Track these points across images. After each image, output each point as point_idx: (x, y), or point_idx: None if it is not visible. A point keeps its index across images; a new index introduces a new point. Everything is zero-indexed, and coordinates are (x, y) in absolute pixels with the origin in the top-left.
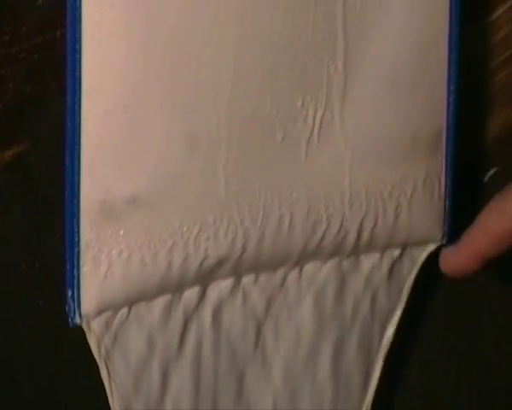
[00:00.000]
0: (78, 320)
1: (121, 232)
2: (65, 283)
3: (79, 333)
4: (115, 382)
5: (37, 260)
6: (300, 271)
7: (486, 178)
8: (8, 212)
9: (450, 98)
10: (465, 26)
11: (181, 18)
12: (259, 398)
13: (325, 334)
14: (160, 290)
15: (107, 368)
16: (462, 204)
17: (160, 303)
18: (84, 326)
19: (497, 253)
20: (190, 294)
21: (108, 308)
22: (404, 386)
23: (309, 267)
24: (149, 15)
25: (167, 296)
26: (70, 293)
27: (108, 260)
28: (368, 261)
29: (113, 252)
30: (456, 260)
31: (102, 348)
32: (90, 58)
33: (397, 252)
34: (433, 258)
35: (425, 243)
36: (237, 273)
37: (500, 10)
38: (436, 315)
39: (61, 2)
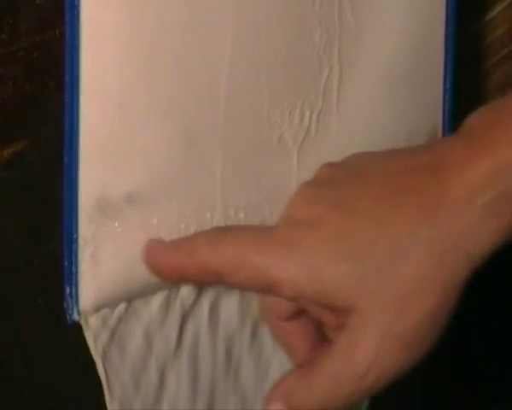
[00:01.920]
0: (76, 317)
1: (119, 229)
2: (63, 280)
3: (79, 331)
4: (112, 378)
5: (37, 258)
6: None
7: None
8: (8, 210)
9: (446, 96)
10: (462, 25)
11: (178, 17)
12: (256, 394)
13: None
14: (158, 287)
15: (104, 365)
16: None
17: (157, 300)
18: (82, 323)
19: (198, 279)
20: (187, 290)
21: (106, 305)
22: (402, 386)
23: None
24: (147, 14)
25: (164, 293)
26: (68, 290)
27: (106, 257)
28: None
29: (111, 249)
30: (157, 257)
31: (99, 345)
32: (88, 56)
33: None
34: None
35: None
36: None
37: (497, 9)
38: None
39: (59, 1)
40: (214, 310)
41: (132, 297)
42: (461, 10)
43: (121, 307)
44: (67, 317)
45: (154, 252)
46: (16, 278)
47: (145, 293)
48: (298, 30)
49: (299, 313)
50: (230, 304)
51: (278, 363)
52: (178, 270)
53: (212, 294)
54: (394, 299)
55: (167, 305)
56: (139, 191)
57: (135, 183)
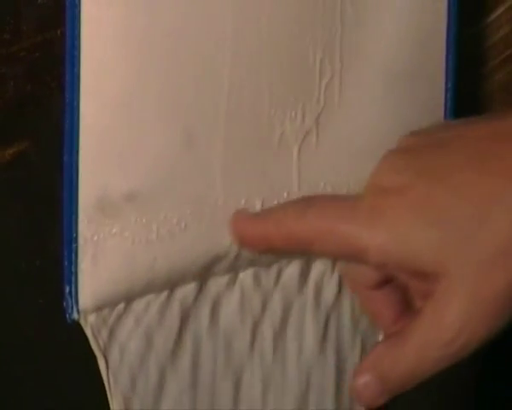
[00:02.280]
0: (75, 316)
1: (119, 228)
2: (63, 279)
3: (80, 331)
4: (113, 377)
5: (38, 259)
6: (296, 265)
7: None
8: (9, 210)
9: (448, 95)
10: (465, 26)
11: (178, 16)
12: (257, 395)
13: (324, 332)
14: (158, 286)
15: (106, 362)
16: None
17: (158, 299)
18: (82, 322)
19: (285, 250)
20: (188, 290)
21: (106, 304)
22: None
23: (304, 261)
24: (147, 13)
25: (165, 292)
26: (68, 289)
27: (106, 257)
28: None
29: (111, 248)
30: (245, 229)
31: (100, 343)
32: (88, 55)
33: None
34: None
35: None
36: (234, 269)
37: (500, 10)
38: None
39: (60, 1)
40: (214, 309)
41: (132, 297)
42: (464, 10)
43: (121, 306)
44: (67, 316)
45: (242, 224)
46: (17, 278)
47: (145, 293)
48: (299, 29)
49: (386, 282)
50: (231, 303)
51: (281, 362)
52: (266, 241)
53: (213, 293)
54: (481, 263)
55: (168, 304)
56: (139, 191)
57: (135, 182)
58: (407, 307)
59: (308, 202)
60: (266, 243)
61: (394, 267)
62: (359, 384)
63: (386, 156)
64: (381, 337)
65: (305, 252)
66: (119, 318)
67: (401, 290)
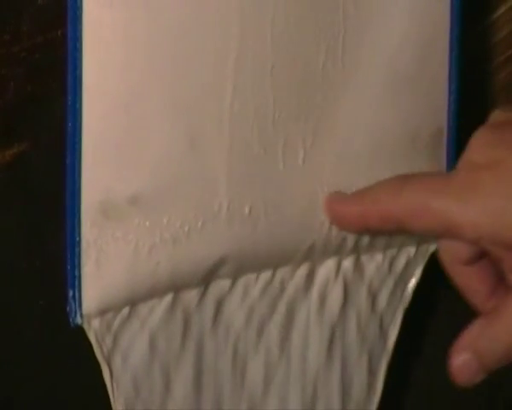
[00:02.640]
0: (79, 320)
1: (122, 232)
2: (66, 283)
3: (80, 333)
4: (117, 382)
5: (38, 260)
6: (300, 271)
7: None
8: (9, 211)
9: (451, 98)
10: (466, 26)
11: (181, 17)
12: (261, 397)
13: (329, 334)
14: (162, 290)
15: (110, 368)
16: None
17: (161, 303)
18: (85, 326)
19: (380, 228)
20: (191, 293)
21: (109, 308)
22: (408, 386)
23: (308, 268)
24: (149, 14)
25: (169, 296)
26: (71, 293)
27: (109, 260)
28: (369, 262)
29: (114, 252)
30: (340, 210)
31: (104, 349)
32: (90, 57)
33: (398, 252)
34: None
35: (427, 241)
36: (238, 273)
37: (501, 10)
38: (440, 316)
39: (61, 2)
40: (218, 313)
41: (136, 301)
42: (465, 11)
43: (125, 310)
44: (70, 320)
45: (338, 204)
46: (17, 280)
47: (148, 297)
48: (302, 32)
49: (479, 257)
50: (234, 307)
51: (286, 365)
52: (361, 219)
53: (216, 297)
54: None
55: (172, 308)
56: (143, 194)
57: (138, 186)
58: (501, 283)
59: (402, 180)
60: (362, 222)
61: (488, 242)
62: (457, 363)
63: (479, 132)
64: (389, 344)
65: (400, 230)
66: (123, 323)
67: (495, 265)
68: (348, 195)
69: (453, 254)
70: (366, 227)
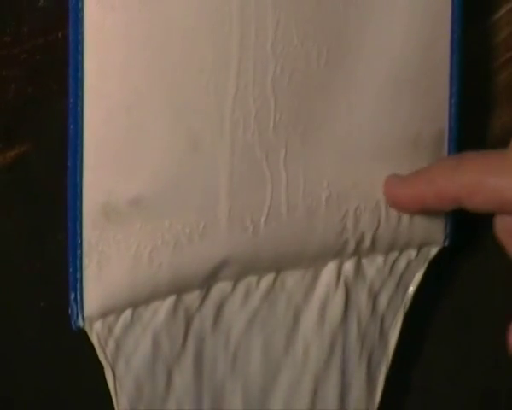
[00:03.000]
0: (80, 323)
1: (124, 234)
2: (67, 285)
3: (81, 335)
4: (120, 384)
5: (39, 262)
6: (301, 275)
7: None
8: (10, 213)
9: (452, 100)
10: (467, 27)
11: (183, 20)
12: (262, 398)
13: (329, 338)
14: (164, 293)
15: (113, 370)
16: None
17: (163, 305)
18: (87, 329)
19: (437, 207)
20: (193, 295)
21: (111, 311)
22: (408, 387)
23: (310, 271)
24: (151, 17)
25: (171, 298)
26: (73, 296)
27: (111, 263)
28: (370, 265)
29: (116, 254)
30: (397, 192)
31: (107, 351)
32: (92, 60)
33: (399, 255)
34: (437, 260)
35: (428, 245)
36: (239, 276)
37: (502, 11)
38: (440, 317)
39: (62, 4)
40: (219, 314)
41: (138, 303)
42: (465, 12)
43: (127, 312)
44: (72, 323)
45: (394, 187)
46: (18, 282)
47: (150, 299)
48: (302, 34)
49: None
50: (235, 308)
51: (291, 362)
52: (418, 200)
53: (218, 299)
54: None
55: (174, 310)
56: (144, 197)
57: (140, 188)
58: None
59: (457, 160)
60: (419, 203)
61: None
62: None
63: None
64: (389, 348)
65: (456, 207)
66: (126, 325)
67: None
68: (404, 177)
69: (508, 230)
70: (423, 207)
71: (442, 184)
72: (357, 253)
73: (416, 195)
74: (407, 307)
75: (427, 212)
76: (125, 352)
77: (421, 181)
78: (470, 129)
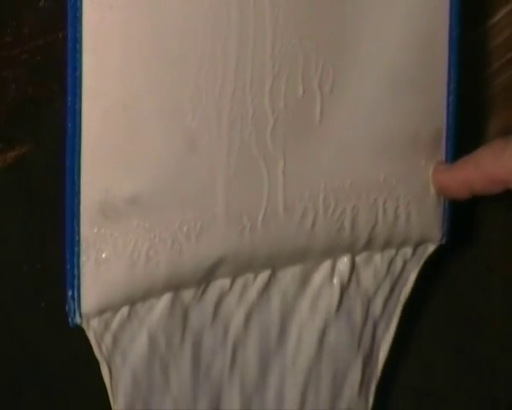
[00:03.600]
0: (78, 320)
1: (121, 232)
2: (66, 283)
3: (81, 334)
4: (117, 381)
5: (40, 262)
6: (296, 272)
7: None
8: (11, 213)
9: (450, 98)
10: (467, 29)
11: (181, 19)
12: (259, 395)
13: (321, 334)
14: (161, 290)
15: (109, 367)
16: (463, 204)
17: (160, 303)
18: (84, 326)
19: (485, 191)
20: (190, 292)
21: (109, 308)
22: (405, 388)
23: (304, 268)
24: (149, 16)
25: (168, 296)
26: (70, 292)
27: (109, 260)
28: (366, 262)
29: (114, 252)
30: (445, 179)
31: (103, 348)
32: (90, 59)
33: (396, 253)
34: (435, 259)
35: (425, 243)
36: (236, 273)
37: (501, 13)
38: (438, 317)
39: (62, 4)
40: (217, 311)
41: (135, 300)
42: (465, 14)
43: (124, 309)
44: (69, 320)
45: (442, 174)
46: (19, 282)
47: (147, 296)
48: (300, 35)
49: None
50: (232, 304)
51: (281, 364)
52: (466, 185)
53: (215, 296)
54: None
55: (171, 308)
56: (142, 195)
57: (138, 186)
58: None
59: (504, 143)
60: (467, 188)
61: None
62: None
63: None
64: (381, 354)
65: (504, 190)
66: (123, 322)
67: None
68: (452, 164)
69: None
70: (472, 192)
71: (489, 168)
72: (354, 251)
73: (464, 180)
74: (402, 304)
75: (476, 195)
76: (122, 347)
77: (468, 166)
78: (469, 129)
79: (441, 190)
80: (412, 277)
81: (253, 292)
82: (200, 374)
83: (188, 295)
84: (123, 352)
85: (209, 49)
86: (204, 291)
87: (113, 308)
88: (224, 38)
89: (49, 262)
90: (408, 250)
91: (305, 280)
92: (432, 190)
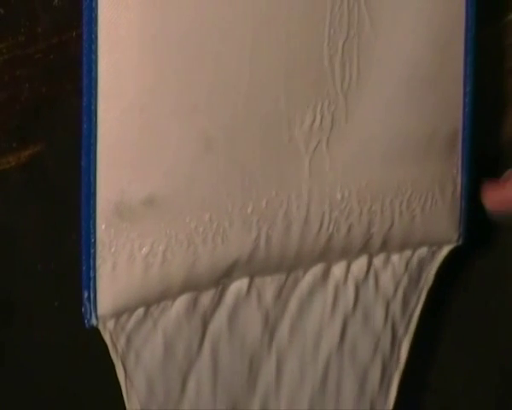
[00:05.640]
0: (94, 322)
1: (137, 233)
2: (81, 284)
3: (95, 333)
4: (131, 381)
5: (53, 261)
6: (313, 273)
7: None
8: (25, 212)
9: (467, 99)
10: (481, 28)
11: (196, 19)
12: (274, 395)
13: (338, 335)
14: (177, 292)
15: (124, 368)
16: (480, 204)
17: (176, 304)
18: (100, 327)
19: None
20: (207, 294)
21: (124, 309)
22: (423, 387)
23: (319, 269)
24: (164, 16)
25: (184, 297)
26: (86, 294)
27: (124, 262)
28: (384, 263)
29: (130, 253)
30: (489, 197)
31: (119, 348)
32: (105, 59)
33: (412, 253)
34: (451, 260)
35: (441, 243)
36: (252, 274)
37: None
38: (455, 318)
39: (76, 3)
40: (234, 312)
41: (151, 302)
42: (480, 14)
43: (140, 311)
44: (85, 322)
45: (487, 192)
46: (33, 281)
47: (163, 298)
48: (316, 34)
49: None
50: (248, 309)
51: (296, 365)
52: (506, 204)
53: (231, 299)
54: None
55: (187, 309)
56: (158, 195)
57: (153, 187)
58: None
59: None
60: (506, 206)
61: None
62: None
63: None
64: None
65: None
66: (138, 323)
67: None
68: (499, 181)
69: None
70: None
71: None
72: (370, 251)
73: (503, 200)
74: (421, 305)
75: None
76: (135, 347)
77: (507, 187)
78: (485, 128)
79: (487, 206)
80: (430, 277)
81: (269, 294)
82: (218, 376)
83: (205, 297)
84: (136, 352)
85: (224, 48)
86: (221, 293)
87: (129, 310)
88: (239, 38)
89: (64, 261)
90: (425, 251)
91: (321, 281)
92: (448, 191)
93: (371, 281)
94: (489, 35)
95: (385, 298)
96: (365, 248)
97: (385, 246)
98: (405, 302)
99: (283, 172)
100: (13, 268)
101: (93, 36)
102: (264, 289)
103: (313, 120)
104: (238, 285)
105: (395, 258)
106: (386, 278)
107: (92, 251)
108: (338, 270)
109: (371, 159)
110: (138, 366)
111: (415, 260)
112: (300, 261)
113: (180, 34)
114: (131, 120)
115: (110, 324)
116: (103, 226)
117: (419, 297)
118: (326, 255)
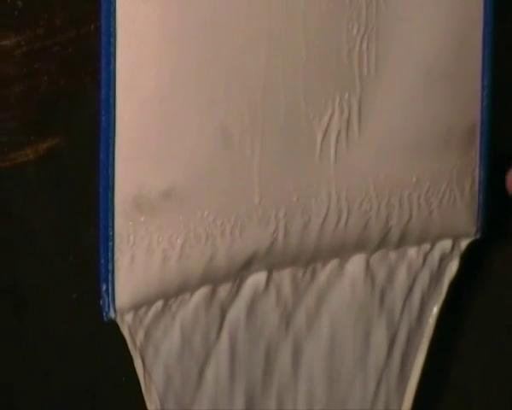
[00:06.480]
0: (112, 315)
1: (156, 226)
2: (99, 276)
3: (113, 326)
4: (149, 373)
5: (72, 254)
6: (329, 267)
7: None
8: (43, 205)
9: (484, 93)
10: (499, 22)
11: (214, 12)
12: (292, 391)
13: (355, 329)
14: (195, 285)
15: (142, 361)
16: (497, 198)
17: (194, 298)
18: (119, 320)
19: None
20: (225, 287)
21: (142, 303)
22: (442, 385)
23: (336, 262)
24: (183, 9)
25: (202, 290)
26: (104, 287)
27: (142, 255)
28: (401, 257)
29: (148, 246)
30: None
31: (137, 341)
32: (124, 52)
33: (431, 246)
34: (469, 254)
35: (459, 237)
36: (270, 267)
37: None
38: (474, 314)
39: None
40: (251, 308)
41: (169, 295)
42: (498, 8)
43: (158, 304)
44: (104, 315)
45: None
46: (51, 274)
47: (181, 291)
48: (334, 26)
49: None
50: (266, 301)
51: (312, 359)
52: None
53: (249, 292)
54: None
55: (205, 302)
56: (176, 188)
57: (172, 180)
58: None
59: None
60: None
61: None
62: None
63: None
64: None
65: None
66: (157, 316)
67: None
68: None
69: None
70: None
71: None
72: (388, 245)
73: None
74: (442, 300)
75: None
76: (154, 340)
77: None
78: (503, 123)
79: (510, 191)
80: (450, 270)
81: (287, 288)
82: (236, 367)
83: (223, 290)
84: (155, 346)
85: (241, 43)
86: (239, 285)
87: (148, 303)
88: (256, 32)
89: (82, 254)
90: (443, 244)
91: (339, 274)
92: (466, 185)
93: (388, 274)
94: (508, 29)
95: (403, 292)
96: (383, 241)
97: (403, 240)
98: (424, 297)
99: (301, 165)
100: (31, 261)
101: (111, 29)
102: (281, 281)
103: (332, 114)
104: (256, 278)
105: (413, 251)
106: (404, 272)
107: (110, 244)
108: (355, 263)
109: (390, 152)
110: (157, 359)
111: (434, 253)
112: (318, 255)
113: (198, 27)
114: (150, 113)
115: (128, 317)
116: (121, 219)
117: (439, 292)
118: (344, 249)
